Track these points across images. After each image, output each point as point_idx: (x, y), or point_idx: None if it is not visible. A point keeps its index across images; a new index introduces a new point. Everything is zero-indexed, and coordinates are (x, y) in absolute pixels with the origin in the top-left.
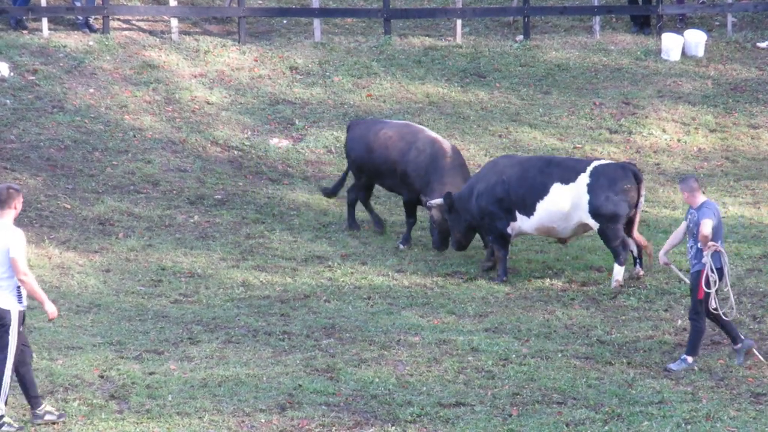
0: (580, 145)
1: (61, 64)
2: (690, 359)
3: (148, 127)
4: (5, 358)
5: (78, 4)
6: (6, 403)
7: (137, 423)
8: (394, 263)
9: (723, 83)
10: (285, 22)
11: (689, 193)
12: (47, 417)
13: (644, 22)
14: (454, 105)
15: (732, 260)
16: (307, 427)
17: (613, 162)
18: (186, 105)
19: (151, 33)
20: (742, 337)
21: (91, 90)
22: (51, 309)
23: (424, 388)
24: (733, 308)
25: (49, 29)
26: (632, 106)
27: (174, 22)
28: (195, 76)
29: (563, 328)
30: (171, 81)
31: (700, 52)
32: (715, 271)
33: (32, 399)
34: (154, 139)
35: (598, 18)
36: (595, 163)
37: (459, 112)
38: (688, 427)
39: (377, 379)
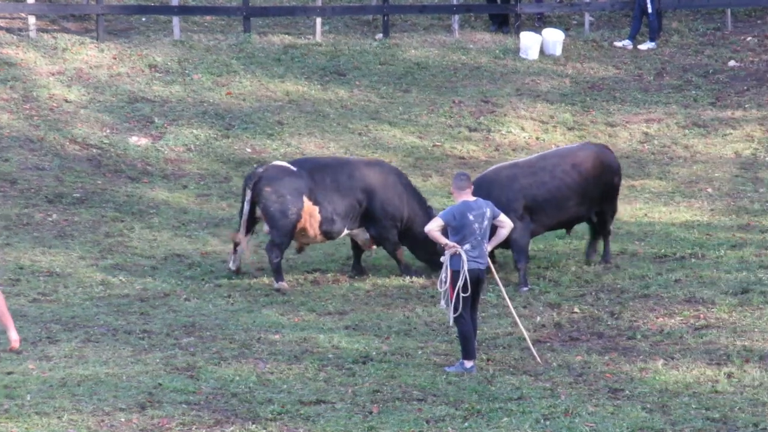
0: (439, 143)
1: None
2: (467, 363)
3: (5, 125)
4: None
5: None
6: None
7: None
8: (254, 261)
9: (581, 81)
10: (144, 19)
11: (454, 190)
12: None
13: (503, 21)
14: (314, 103)
15: None
16: (167, 425)
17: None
18: (44, 103)
19: (8, 30)
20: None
21: None
22: (14, 337)
23: (285, 386)
24: (450, 314)
25: None
26: (491, 104)
27: (31, 20)
28: (53, 74)
29: (423, 326)
30: (28, 79)
31: (558, 51)
32: (449, 272)
33: None
34: (12, 137)
35: (457, 17)
36: None
37: (319, 110)
38: (547, 422)
39: (238, 377)
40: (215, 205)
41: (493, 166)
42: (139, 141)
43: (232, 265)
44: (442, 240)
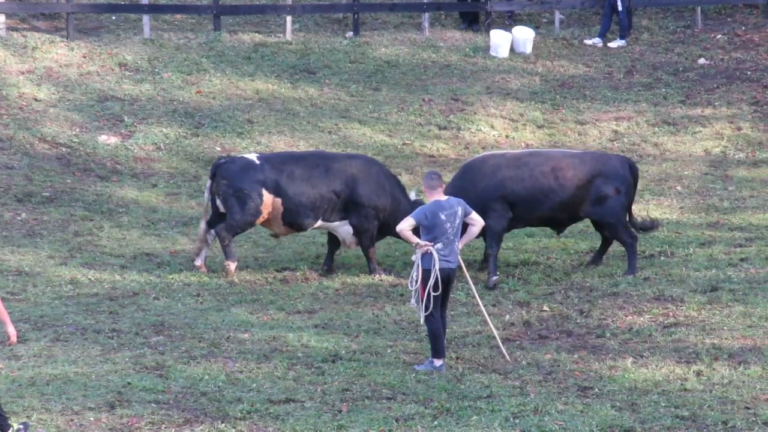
0: (409, 142)
1: None
2: (437, 362)
3: None
4: None
5: None
6: None
7: None
8: (223, 260)
9: (551, 80)
10: (114, 18)
11: (425, 189)
12: None
13: (473, 19)
14: (284, 101)
15: (559, 255)
16: (136, 425)
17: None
18: (13, 102)
19: None
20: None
21: None
22: (12, 332)
23: (254, 385)
24: (421, 313)
25: None
26: (461, 102)
27: (1, 18)
28: (23, 73)
29: (393, 324)
30: None
31: (529, 49)
32: (421, 270)
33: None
34: None
35: (427, 15)
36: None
37: (289, 108)
38: (517, 421)
39: (207, 376)
40: (185, 203)
41: (482, 154)
42: (108, 140)
43: (197, 261)
44: (414, 239)
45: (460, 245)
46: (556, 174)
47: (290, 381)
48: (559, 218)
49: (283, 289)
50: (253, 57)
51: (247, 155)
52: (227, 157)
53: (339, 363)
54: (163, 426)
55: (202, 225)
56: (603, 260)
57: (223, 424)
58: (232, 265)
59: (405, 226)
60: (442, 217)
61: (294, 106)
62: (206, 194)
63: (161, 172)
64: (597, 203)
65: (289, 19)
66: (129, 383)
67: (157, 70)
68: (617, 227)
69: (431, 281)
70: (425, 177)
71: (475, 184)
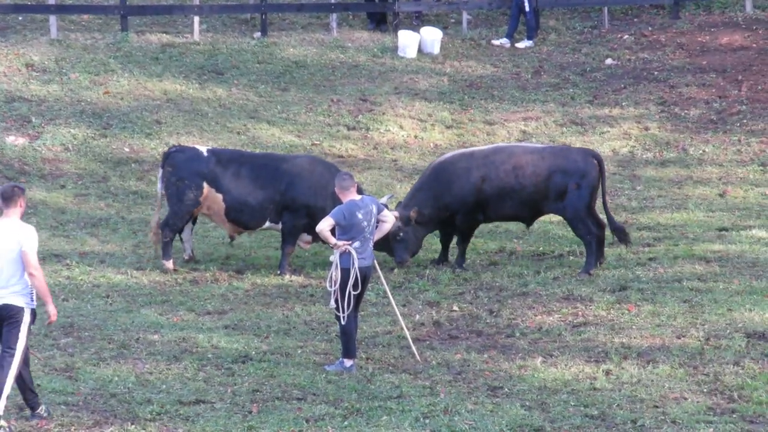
0: (318, 142)
1: None
2: (347, 362)
3: None
4: (12, 356)
5: None
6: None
7: None
8: (132, 261)
9: (459, 80)
10: (20, 18)
11: (338, 190)
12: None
13: (381, 20)
14: (193, 102)
15: (469, 255)
16: (45, 427)
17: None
18: None
19: None
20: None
21: None
22: (53, 311)
23: (164, 386)
24: (342, 313)
25: None
26: (369, 102)
27: None
28: None
29: (303, 325)
30: None
31: (436, 49)
32: (340, 269)
33: (33, 399)
34: None
35: (335, 15)
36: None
37: (197, 109)
38: (427, 421)
39: (116, 378)
40: (93, 204)
41: (449, 154)
42: (16, 140)
43: (185, 255)
44: (332, 239)
45: (373, 241)
46: (517, 172)
47: (200, 382)
48: (522, 216)
49: (193, 290)
50: (160, 57)
51: (198, 147)
52: (178, 146)
53: (249, 364)
54: (73, 428)
55: (155, 218)
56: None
57: (133, 426)
58: (169, 264)
59: (324, 226)
60: (359, 216)
61: (202, 107)
62: (159, 184)
63: (69, 173)
64: (557, 199)
65: (196, 19)
66: (38, 385)
67: (64, 70)
68: (576, 223)
69: (351, 280)
70: (337, 178)
71: (449, 185)
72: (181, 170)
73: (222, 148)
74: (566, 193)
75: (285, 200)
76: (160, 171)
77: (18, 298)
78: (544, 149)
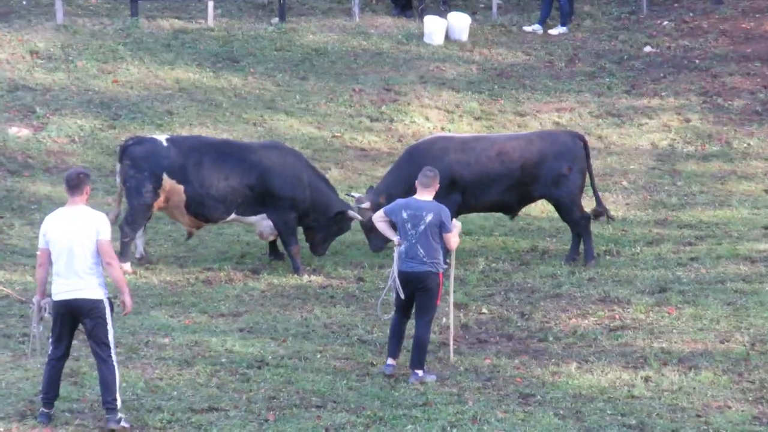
0: (339, 134)
1: None
2: (419, 372)
3: None
4: (110, 348)
5: None
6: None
7: None
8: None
9: (488, 68)
10: (24, 2)
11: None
12: (123, 423)
13: (406, 5)
14: (206, 91)
15: (499, 254)
16: None
17: None
18: None
19: None
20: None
21: None
22: (129, 301)
23: (175, 393)
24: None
25: None
26: (393, 92)
27: None
28: None
29: (322, 328)
30: None
31: (465, 36)
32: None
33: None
34: None
35: (357, 0)
36: None
37: (211, 98)
38: (454, 430)
39: (124, 384)
40: (101, 199)
41: (428, 137)
42: (19, 132)
43: (137, 254)
44: (388, 233)
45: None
46: (502, 158)
47: (213, 388)
48: (508, 203)
49: (206, 290)
50: (172, 44)
51: (156, 136)
52: (135, 137)
53: (265, 369)
54: None
55: (116, 211)
56: (578, 253)
57: None
58: (127, 266)
59: (376, 216)
60: (403, 215)
61: (216, 97)
62: (117, 179)
63: (75, 166)
64: (552, 184)
65: (210, 4)
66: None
67: (70, 58)
68: (571, 206)
69: (389, 281)
70: (421, 173)
71: (421, 167)
72: (140, 162)
73: (182, 135)
74: (560, 176)
75: (261, 195)
76: (118, 165)
77: (97, 290)
78: (530, 134)
